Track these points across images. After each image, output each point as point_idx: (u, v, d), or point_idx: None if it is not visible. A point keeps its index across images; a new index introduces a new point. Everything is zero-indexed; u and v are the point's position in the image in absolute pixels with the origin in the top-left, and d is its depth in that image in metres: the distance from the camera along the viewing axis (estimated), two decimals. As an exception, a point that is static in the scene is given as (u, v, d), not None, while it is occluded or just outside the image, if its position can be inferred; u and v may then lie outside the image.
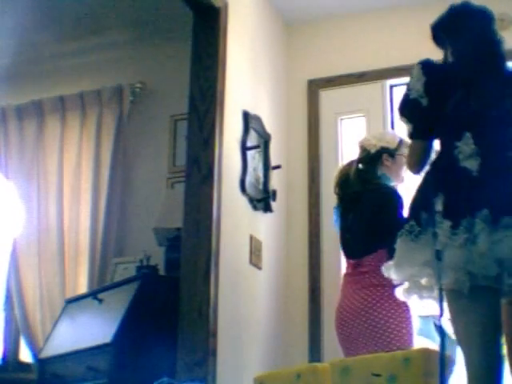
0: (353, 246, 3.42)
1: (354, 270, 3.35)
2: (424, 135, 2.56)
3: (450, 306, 2.34)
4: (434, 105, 2.48)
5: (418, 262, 2.35)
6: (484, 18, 2.72)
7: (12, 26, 4.80)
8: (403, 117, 2.59)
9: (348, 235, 3.46)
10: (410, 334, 3.15)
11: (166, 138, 4.74)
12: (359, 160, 3.54)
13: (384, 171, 3.49)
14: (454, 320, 2.34)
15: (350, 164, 3.59)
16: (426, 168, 2.56)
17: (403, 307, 3.14)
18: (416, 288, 2.44)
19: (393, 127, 4.39)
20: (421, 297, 2.46)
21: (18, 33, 4.90)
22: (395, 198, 3.36)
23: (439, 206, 2.34)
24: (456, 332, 2.35)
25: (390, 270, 2.46)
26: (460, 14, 2.75)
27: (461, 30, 2.69)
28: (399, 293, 2.51)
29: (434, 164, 2.52)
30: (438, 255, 2.26)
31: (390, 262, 2.46)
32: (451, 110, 2.46)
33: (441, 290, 2.29)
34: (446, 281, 2.27)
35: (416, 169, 2.61)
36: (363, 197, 3.41)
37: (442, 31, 2.78)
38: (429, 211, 2.35)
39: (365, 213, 3.39)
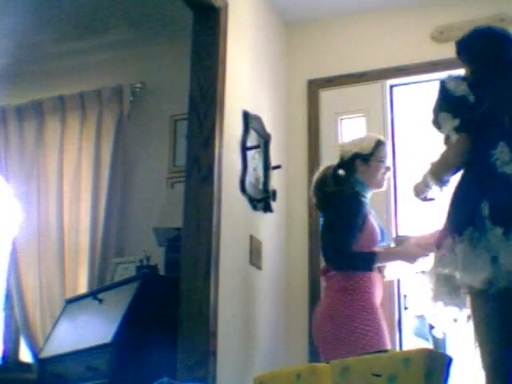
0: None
1: (325, 273, 3.37)
2: (470, 129, 2.61)
3: (480, 308, 2.47)
4: (479, 103, 2.58)
5: (475, 267, 2.45)
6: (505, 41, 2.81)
7: (12, 26, 4.80)
8: (447, 112, 2.64)
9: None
10: (379, 336, 3.13)
11: (165, 138, 4.74)
12: (337, 166, 3.54)
13: (360, 177, 3.45)
14: (483, 321, 2.46)
15: (329, 167, 3.57)
16: (461, 173, 2.66)
17: (369, 310, 3.16)
18: (449, 294, 2.56)
19: (393, 127, 4.39)
20: (446, 303, 2.59)
21: (18, 33, 4.90)
22: (345, 206, 3.34)
23: (486, 211, 2.43)
24: (485, 332, 2.46)
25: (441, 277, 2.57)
26: (482, 38, 2.85)
27: (482, 52, 2.79)
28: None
29: (471, 170, 2.60)
30: (495, 259, 2.39)
31: (445, 269, 2.57)
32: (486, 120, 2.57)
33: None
34: (503, 284, 2.39)
35: (457, 164, 2.66)
36: (333, 200, 3.43)
37: (465, 50, 2.88)
38: (478, 217, 2.44)
39: (325, 219, 3.45)
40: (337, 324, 3.16)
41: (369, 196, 3.47)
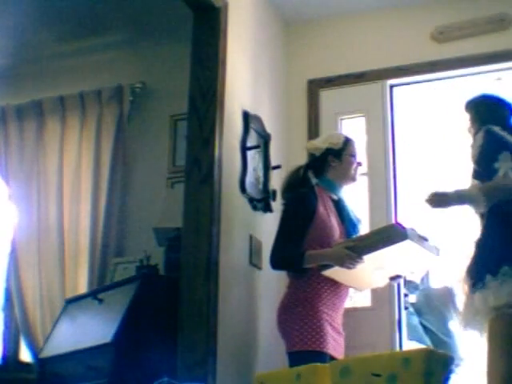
0: None
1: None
2: None
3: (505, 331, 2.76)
4: None
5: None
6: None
7: (12, 26, 4.81)
8: (508, 152, 2.98)
9: None
10: (306, 338, 3.23)
11: (165, 138, 4.74)
12: (307, 165, 3.59)
13: (331, 174, 3.51)
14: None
15: (299, 169, 3.61)
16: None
17: (304, 311, 3.27)
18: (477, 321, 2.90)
19: (393, 127, 4.39)
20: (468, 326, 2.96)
21: (18, 33, 4.90)
22: (288, 208, 3.44)
23: None
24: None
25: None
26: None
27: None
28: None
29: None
30: None
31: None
32: None
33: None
34: None
35: (509, 196, 2.97)
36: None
37: (472, 113, 3.28)
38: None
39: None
40: (278, 320, 3.36)
41: (340, 192, 3.54)
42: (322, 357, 3.15)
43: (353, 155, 3.55)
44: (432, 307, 4.64)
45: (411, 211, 4.31)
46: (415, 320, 4.55)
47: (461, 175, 3.30)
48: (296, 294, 3.35)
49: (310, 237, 3.34)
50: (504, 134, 3.06)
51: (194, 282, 3.40)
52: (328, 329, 3.27)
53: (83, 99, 4.98)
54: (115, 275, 4.29)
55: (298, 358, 3.18)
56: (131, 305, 3.49)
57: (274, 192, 4.15)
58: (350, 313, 3.73)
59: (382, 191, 4.22)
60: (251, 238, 3.87)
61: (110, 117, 4.87)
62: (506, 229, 2.90)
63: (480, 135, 3.08)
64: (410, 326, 4.25)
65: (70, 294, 4.47)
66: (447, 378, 2.29)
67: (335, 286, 3.36)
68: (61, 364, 3.75)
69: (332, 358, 3.21)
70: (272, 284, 4.05)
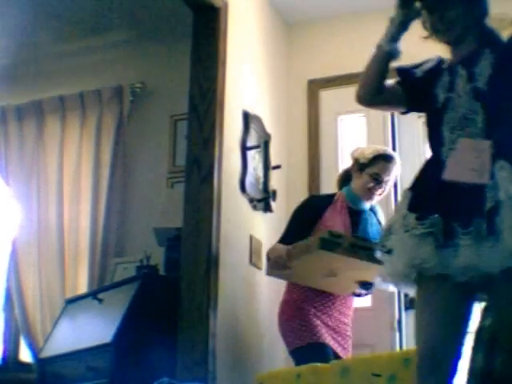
0: None
1: None
2: None
3: None
4: None
5: None
6: None
7: (12, 25, 4.81)
8: None
9: None
10: (299, 334, 3.26)
11: (165, 138, 4.73)
12: (347, 168, 3.63)
13: (354, 183, 3.46)
14: None
15: (343, 172, 3.67)
16: None
17: (291, 312, 3.32)
18: None
19: (393, 127, 4.39)
20: None
21: (18, 33, 4.90)
22: (295, 209, 3.55)
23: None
24: None
25: None
26: None
27: None
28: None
29: None
30: None
31: None
32: None
33: None
34: None
35: None
36: None
37: None
38: None
39: None
40: (280, 321, 3.40)
41: (361, 204, 3.46)
42: (320, 348, 3.18)
43: (374, 177, 3.37)
44: None
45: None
46: None
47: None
48: (287, 294, 3.42)
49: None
50: None
51: (194, 282, 3.40)
52: (317, 322, 3.28)
53: (83, 99, 4.97)
54: (115, 275, 4.29)
55: (298, 354, 3.21)
56: (131, 305, 3.49)
57: (274, 192, 4.15)
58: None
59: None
60: (251, 238, 3.87)
61: (110, 117, 4.86)
62: None
63: None
64: None
65: (69, 294, 4.46)
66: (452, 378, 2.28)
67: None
68: (61, 364, 3.75)
69: (335, 355, 3.21)
70: (272, 284, 4.05)
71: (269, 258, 3.39)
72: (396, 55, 2.47)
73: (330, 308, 3.37)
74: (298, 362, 3.19)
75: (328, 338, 3.28)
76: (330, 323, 3.33)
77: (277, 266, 3.29)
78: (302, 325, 3.27)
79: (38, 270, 4.76)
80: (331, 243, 3.09)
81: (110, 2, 4.63)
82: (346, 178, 3.55)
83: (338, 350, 3.30)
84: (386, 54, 2.46)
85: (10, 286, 4.91)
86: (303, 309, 3.31)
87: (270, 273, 3.45)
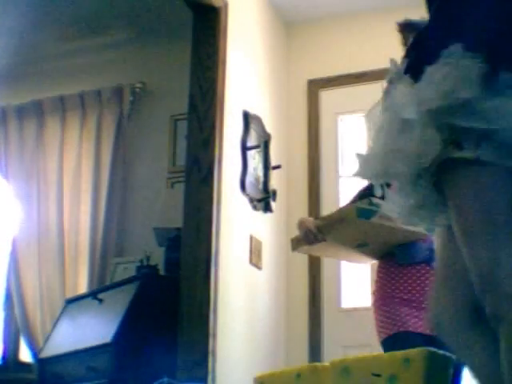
0: None
1: None
2: None
3: None
4: None
5: None
6: None
7: (12, 25, 4.80)
8: None
9: None
10: (387, 323, 3.11)
11: (165, 138, 4.73)
12: None
13: None
14: None
15: None
16: None
17: (380, 300, 3.14)
18: None
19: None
20: None
21: (18, 33, 4.89)
22: None
23: None
24: None
25: None
26: None
27: None
28: None
29: None
30: None
31: None
32: None
33: None
34: None
35: None
36: None
37: None
38: None
39: None
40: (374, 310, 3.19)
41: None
42: (409, 336, 2.99)
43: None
44: None
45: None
46: None
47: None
48: (376, 282, 3.20)
49: None
50: None
51: (194, 282, 3.40)
52: (404, 309, 3.08)
53: (83, 99, 4.97)
54: (115, 275, 4.29)
55: (387, 345, 3.08)
56: (131, 305, 3.49)
57: (274, 192, 4.15)
58: (350, 313, 3.73)
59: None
60: (251, 238, 3.87)
61: (110, 117, 4.86)
62: None
63: None
64: None
65: (70, 294, 4.46)
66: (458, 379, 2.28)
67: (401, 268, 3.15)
68: (61, 364, 3.75)
69: (422, 335, 3.00)
70: (272, 284, 4.06)
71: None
72: None
73: (416, 287, 3.24)
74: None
75: (413, 325, 3.05)
76: (414, 304, 3.19)
77: (307, 239, 3.09)
78: (390, 313, 3.08)
79: (38, 270, 4.76)
80: (368, 211, 3.06)
81: (110, 2, 4.63)
82: None
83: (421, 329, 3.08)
84: None
85: (9, 285, 4.91)
86: (389, 296, 3.09)
87: (295, 248, 3.23)
